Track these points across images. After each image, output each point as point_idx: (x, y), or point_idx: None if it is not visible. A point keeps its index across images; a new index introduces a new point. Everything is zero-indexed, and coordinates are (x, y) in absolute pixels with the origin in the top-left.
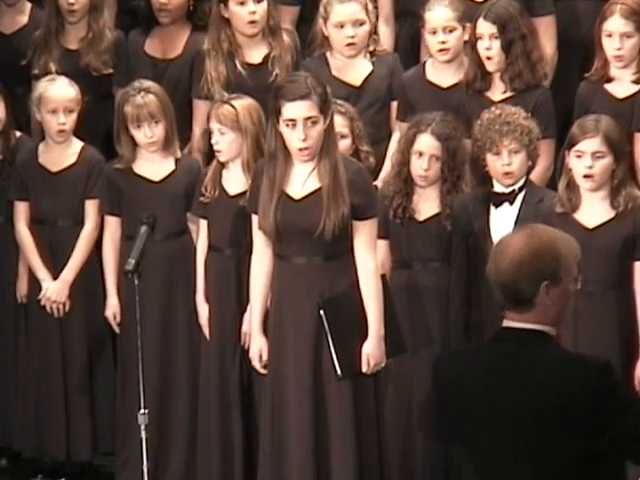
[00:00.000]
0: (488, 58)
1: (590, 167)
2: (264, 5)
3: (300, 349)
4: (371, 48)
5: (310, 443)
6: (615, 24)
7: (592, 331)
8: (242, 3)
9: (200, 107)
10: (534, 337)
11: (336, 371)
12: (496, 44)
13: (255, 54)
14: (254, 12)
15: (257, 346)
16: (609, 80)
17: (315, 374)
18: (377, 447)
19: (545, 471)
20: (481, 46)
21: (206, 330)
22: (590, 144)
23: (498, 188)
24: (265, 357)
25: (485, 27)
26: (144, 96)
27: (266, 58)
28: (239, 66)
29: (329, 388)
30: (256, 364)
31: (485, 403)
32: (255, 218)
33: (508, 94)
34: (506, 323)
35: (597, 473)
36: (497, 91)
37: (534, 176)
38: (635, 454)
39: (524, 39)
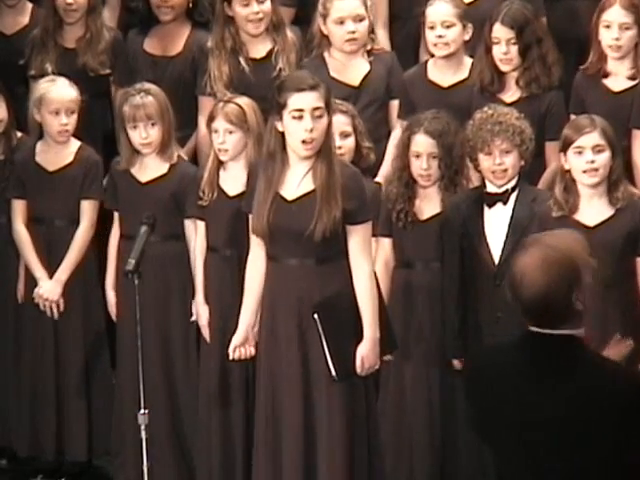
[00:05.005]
0: (504, 61)
1: (592, 161)
2: (267, 5)
3: (291, 351)
4: (369, 47)
5: (301, 444)
6: (615, 14)
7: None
8: (246, 5)
9: (205, 103)
10: (566, 343)
11: (331, 373)
12: (514, 49)
13: (259, 49)
14: (257, 12)
15: (238, 340)
16: (605, 75)
17: (306, 375)
18: (367, 448)
19: (570, 475)
20: (498, 51)
21: (206, 331)
22: (589, 138)
23: (491, 188)
24: (244, 353)
25: (502, 32)
26: (143, 97)
27: (270, 53)
28: (243, 62)
29: (320, 389)
30: (231, 352)
31: (515, 407)
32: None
33: (521, 95)
34: (534, 328)
35: None
36: (510, 93)
37: (546, 177)
38: None
39: (540, 42)
